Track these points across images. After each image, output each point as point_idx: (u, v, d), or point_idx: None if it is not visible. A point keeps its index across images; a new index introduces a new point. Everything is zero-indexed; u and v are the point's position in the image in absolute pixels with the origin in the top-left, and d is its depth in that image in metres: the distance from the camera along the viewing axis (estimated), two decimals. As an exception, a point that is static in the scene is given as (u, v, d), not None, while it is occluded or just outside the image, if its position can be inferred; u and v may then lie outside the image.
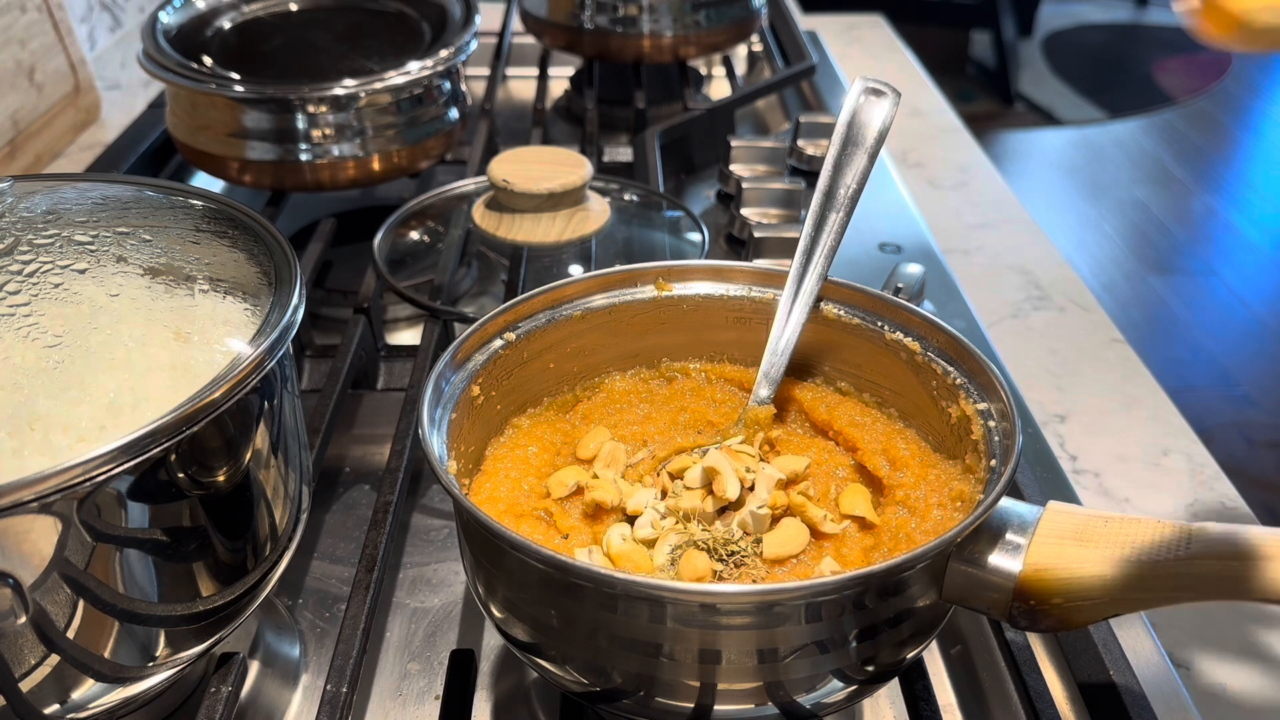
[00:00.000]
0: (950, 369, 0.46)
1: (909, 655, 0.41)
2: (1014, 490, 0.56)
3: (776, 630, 0.36)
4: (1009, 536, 0.38)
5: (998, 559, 0.38)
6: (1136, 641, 0.51)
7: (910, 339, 0.48)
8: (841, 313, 0.50)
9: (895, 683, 0.49)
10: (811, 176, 0.92)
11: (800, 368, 0.52)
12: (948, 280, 0.81)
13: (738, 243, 0.82)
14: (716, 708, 0.38)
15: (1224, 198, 3.04)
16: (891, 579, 0.37)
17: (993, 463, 0.42)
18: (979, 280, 0.84)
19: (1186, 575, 0.36)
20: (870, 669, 0.39)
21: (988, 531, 0.38)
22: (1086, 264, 2.68)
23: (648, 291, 0.52)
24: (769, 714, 0.39)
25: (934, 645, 0.54)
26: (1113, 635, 0.48)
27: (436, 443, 0.42)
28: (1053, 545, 0.38)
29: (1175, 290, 2.59)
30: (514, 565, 0.39)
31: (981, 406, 0.44)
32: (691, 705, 0.39)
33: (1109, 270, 2.68)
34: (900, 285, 0.69)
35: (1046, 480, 0.62)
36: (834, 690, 0.39)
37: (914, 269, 0.72)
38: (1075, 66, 3.81)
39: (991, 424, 0.43)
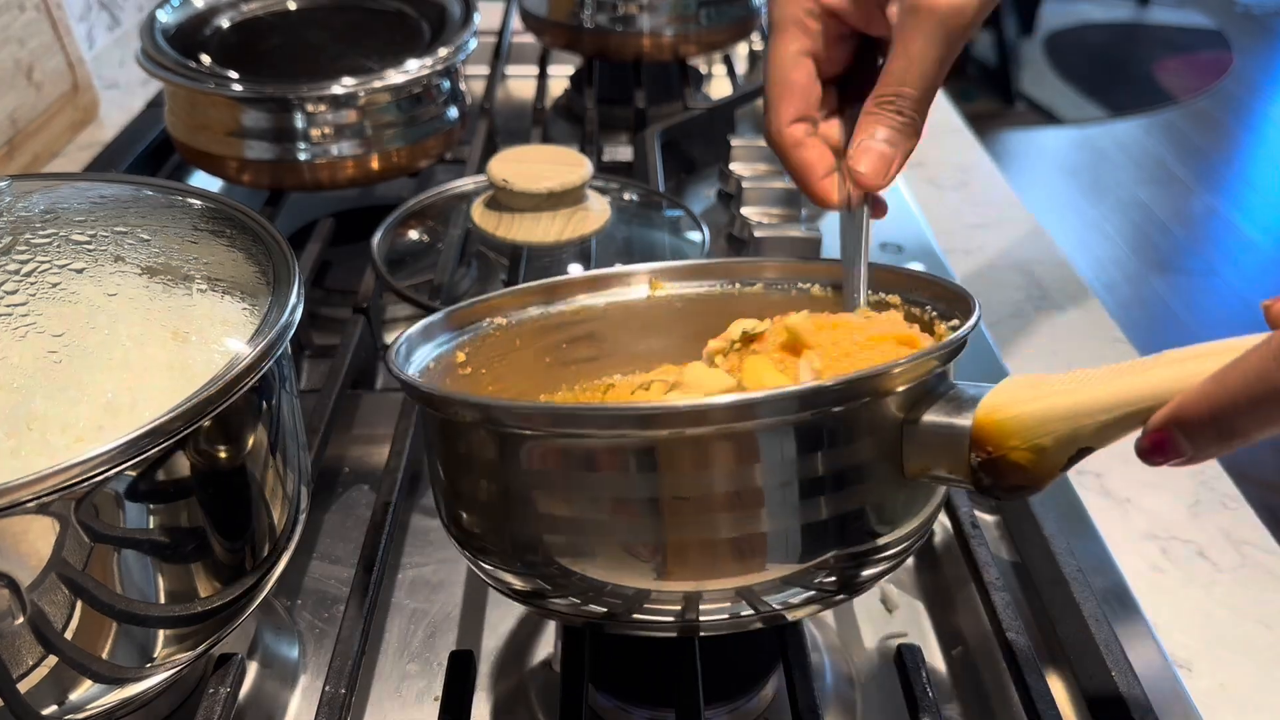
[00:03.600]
0: (926, 306, 0.47)
1: (886, 557, 0.40)
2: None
3: (724, 461, 0.36)
4: (963, 398, 0.38)
5: (950, 414, 0.37)
6: (1138, 642, 0.51)
7: (890, 294, 0.48)
8: (828, 291, 0.50)
9: (896, 683, 0.49)
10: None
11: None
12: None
13: (738, 242, 0.81)
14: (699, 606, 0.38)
15: (1225, 197, 3.04)
16: (838, 402, 0.36)
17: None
18: (980, 280, 0.84)
19: (1145, 386, 0.34)
20: (844, 549, 0.38)
21: (942, 395, 0.38)
22: (1088, 263, 2.68)
23: (643, 291, 0.52)
24: (746, 615, 0.39)
25: (935, 647, 0.54)
26: (1114, 636, 0.48)
27: (404, 353, 0.44)
28: (1007, 391, 0.37)
29: (1176, 290, 2.59)
30: (472, 438, 0.39)
31: (953, 323, 0.45)
32: (678, 595, 0.38)
33: (1110, 270, 2.68)
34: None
35: (1047, 480, 0.62)
36: (796, 594, 0.38)
37: (914, 269, 0.72)
38: (1076, 66, 3.81)
39: (955, 322, 0.44)
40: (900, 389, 0.37)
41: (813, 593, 0.39)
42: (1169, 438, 0.33)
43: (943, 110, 1.14)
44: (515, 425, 0.37)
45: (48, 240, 0.43)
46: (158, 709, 0.46)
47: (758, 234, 0.78)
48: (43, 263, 0.42)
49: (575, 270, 0.74)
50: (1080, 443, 0.35)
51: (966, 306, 0.44)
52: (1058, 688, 0.50)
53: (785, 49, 0.49)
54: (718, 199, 0.90)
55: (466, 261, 0.79)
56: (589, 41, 1.04)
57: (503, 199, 0.71)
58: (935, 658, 0.54)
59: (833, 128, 0.51)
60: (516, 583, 0.41)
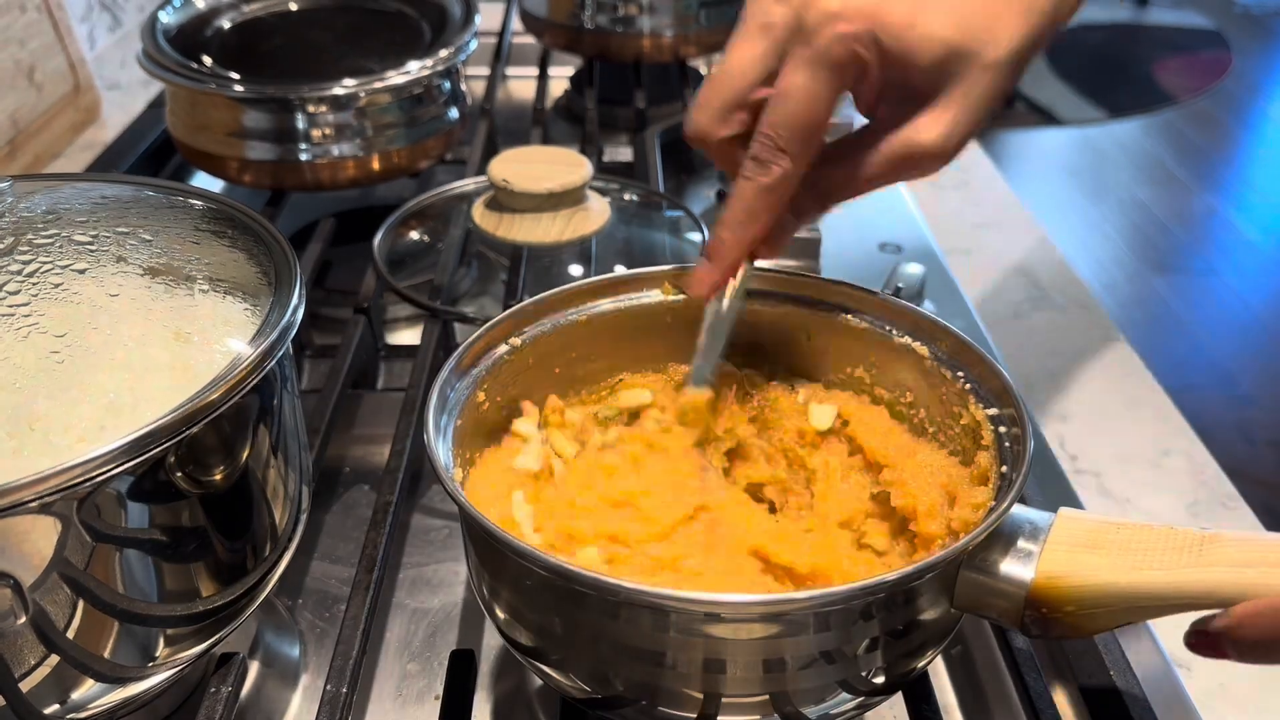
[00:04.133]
0: (959, 374, 0.45)
1: (918, 665, 0.40)
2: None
3: (782, 640, 0.36)
4: (1020, 544, 0.38)
5: (1009, 567, 0.38)
6: (1137, 642, 0.51)
7: (918, 343, 0.47)
8: (850, 317, 0.49)
9: (896, 683, 0.49)
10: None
11: (809, 372, 0.52)
12: (948, 280, 0.81)
13: (738, 242, 0.81)
14: (720, 719, 0.38)
15: (1224, 197, 3.04)
16: (902, 588, 0.36)
17: (1004, 469, 0.41)
18: (979, 280, 0.84)
19: (1200, 582, 0.35)
20: (879, 680, 0.39)
21: (999, 539, 0.38)
22: (1087, 264, 2.68)
23: (654, 295, 0.51)
24: None
25: (934, 645, 0.54)
26: (1113, 636, 0.48)
27: (442, 450, 0.42)
28: (1065, 552, 0.37)
29: (1176, 290, 2.59)
30: (517, 571, 0.39)
31: (991, 412, 0.43)
32: (695, 716, 0.38)
33: (1110, 270, 2.67)
34: (900, 285, 0.69)
35: (1046, 480, 0.62)
36: (841, 702, 0.39)
37: (914, 269, 0.72)
38: (1076, 66, 3.81)
39: (1002, 429, 0.43)
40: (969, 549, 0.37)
41: (851, 698, 0.39)
42: (1220, 646, 0.36)
43: (943, 111, 1.14)
44: (579, 587, 0.37)
45: (50, 241, 0.43)
46: (159, 708, 0.46)
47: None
48: (45, 263, 0.42)
49: (578, 272, 0.74)
50: (1131, 617, 0.37)
51: (1004, 393, 0.43)
52: (1057, 688, 0.50)
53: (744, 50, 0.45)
54: (717, 199, 0.90)
55: (467, 262, 0.79)
56: (589, 42, 1.04)
57: (503, 199, 0.71)
58: (935, 658, 0.54)
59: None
60: (528, 646, 0.41)
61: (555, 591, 0.38)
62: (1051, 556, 0.37)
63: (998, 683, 0.51)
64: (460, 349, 0.46)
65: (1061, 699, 0.50)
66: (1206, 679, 0.52)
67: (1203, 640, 0.36)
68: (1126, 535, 0.37)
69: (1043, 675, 0.47)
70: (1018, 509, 0.39)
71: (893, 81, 0.43)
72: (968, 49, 0.41)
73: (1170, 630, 0.54)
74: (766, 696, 0.38)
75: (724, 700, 0.37)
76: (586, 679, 0.39)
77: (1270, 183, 3.15)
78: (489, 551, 0.40)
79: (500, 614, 0.41)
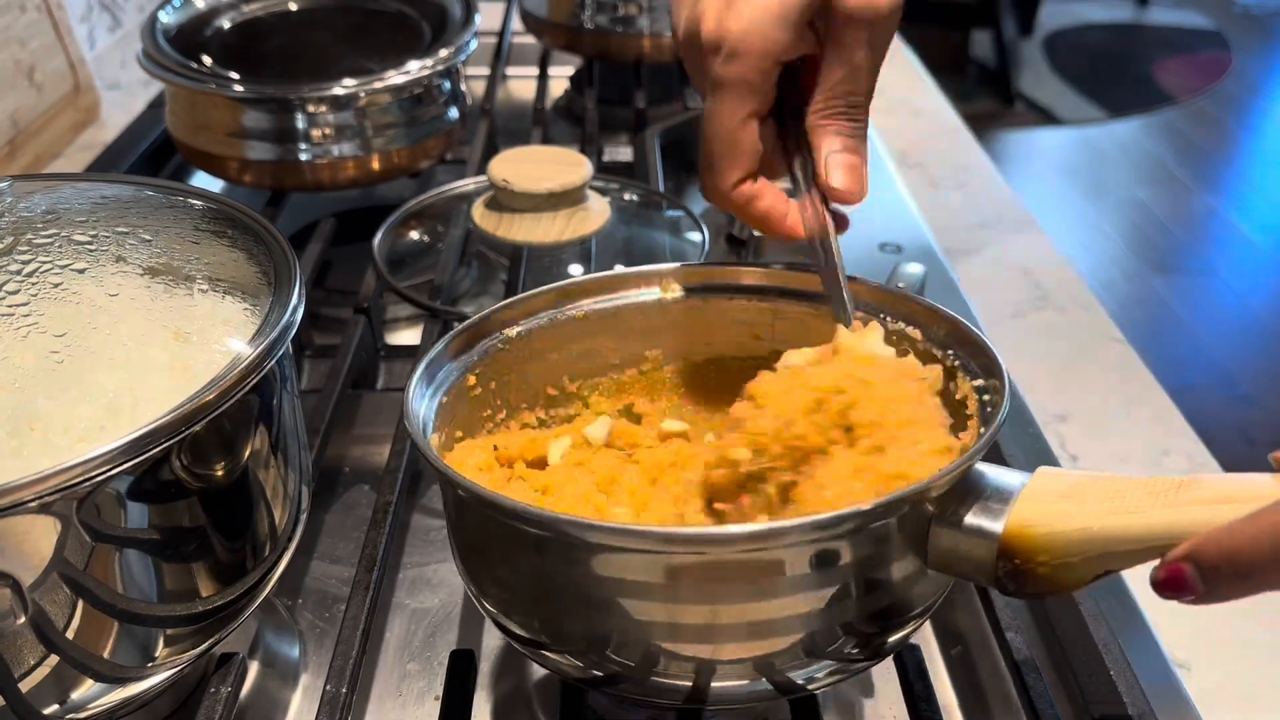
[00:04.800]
0: (949, 352, 0.46)
1: (897, 634, 0.40)
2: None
3: (760, 580, 0.36)
4: (993, 498, 0.38)
5: (980, 518, 0.37)
6: (1137, 641, 0.51)
7: (911, 328, 0.47)
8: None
9: (896, 683, 0.49)
10: (812, 176, 0.92)
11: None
12: (948, 280, 0.81)
13: (738, 242, 0.82)
14: (711, 684, 0.38)
15: (1224, 198, 3.04)
16: (870, 525, 0.36)
17: (982, 430, 0.42)
18: (979, 280, 0.84)
19: (1174, 523, 0.34)
20: (861, 633, 0.39)
21: (972, 493, 0.38)
22: (1087, 264, 2.68)
23: (652, 294, 0.51)
24: (762, 690, 0.39)
25: (934, 647, 0.54)
26: (1113, 635, 0.48)
27: (421, 407, 0.43)
28: (1038, 503, 0.37)
29: (1176, 290, 2.59)
30: (497, 531, 0.39)
31: (978, 383, 0.44)
32: (688, 682, 0.38)
33: (1109, 270, 2.68)
34: (901, 285, 0.69)
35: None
36: (824, 666, 0.39)
37: (914, 269, 0.72)
38: (1076, 66, 3.81)
39: (986, 398, 0.43)
40: (935, 495, 0.37)
41: (834, 664, 0.39)
42: (1184, 573, 0.34)
43: (942, 110, 1.14)
44: (548, 532, 0.37)
45: (49, 241, 0.43)
46: (159, 708, 0.46)
47: (757, 234, 0.78)
48: (44, 263, 0.42)
49: (578, 271, 0.74)
50: (1107, 565, 0.36)
51: (989, 364, 0.43)
52: (1057, 687, 0.50)
53: (733, 114, 0.47)
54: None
55: (467, 262, 0.79)
56: (589, 42, 1.04)
57: (503, 199, 0.71)
58: (935, 658, 0.54)
59: (773, 168, 0.50)
60: (523, 634, 0.41)
61: (535, 542, 0.37)
62: (1023, 507, 0.37)
63: (998, 683, 0.51)
64: (451, 333, 0.47)
65: (1061, 699, 0.50)
66: (1206, 679, 0.52)
67: (1169, 572, 0.34)
68: (1104, 485, 0.36)
69: (1042, 675, 0.47)
70: (995, 469, 0.39)
71: None
72: None
73: (1170, 631, 0.54)
74: (750, 661, 0.38)
75: (713, 651, 0.38)
76: (576, 647, 0.39)
77: (1270, 183, 3.15)
78: (466, 516, 0.40)
79: (489, 589, 0.41)
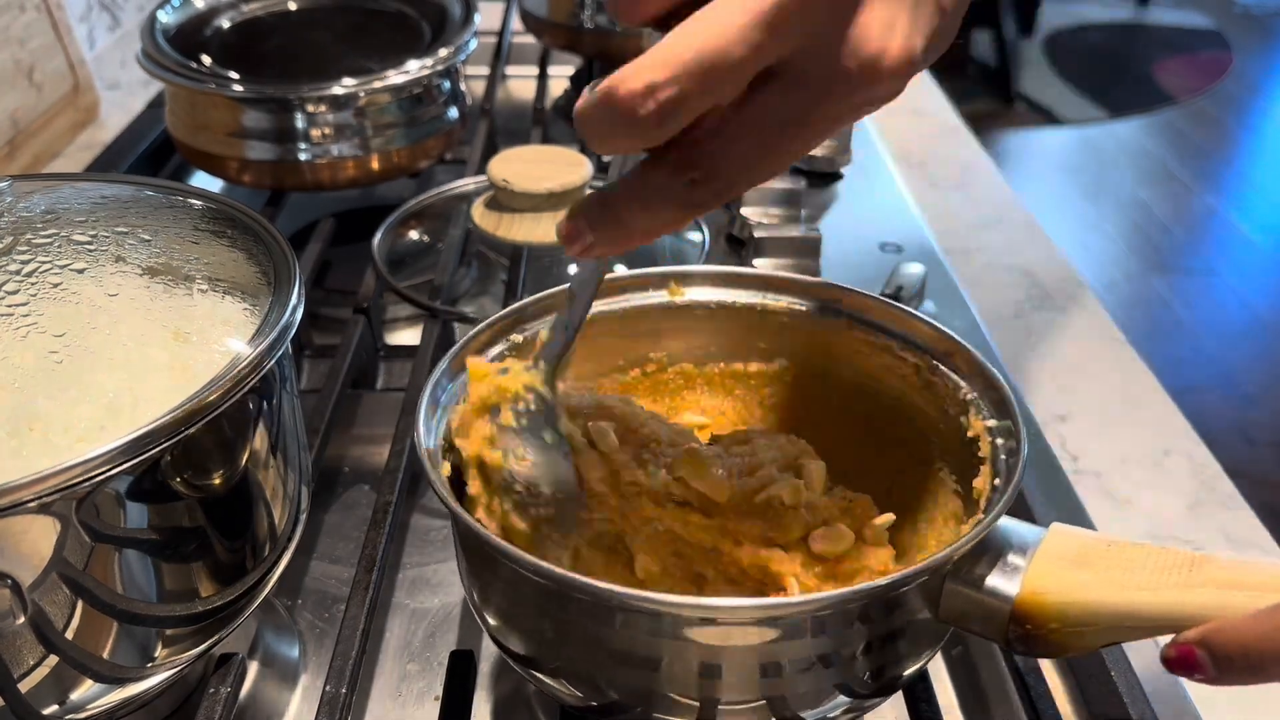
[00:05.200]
0: (962, 383, 0.45)
1: (908, 671, 0.40)
2: (1018, 498, 0.55)
3: (775, 644, 0.36)
4: (1008, 558, 0.37)
5: (995, 580, 0.37)
6: (1137, 641, 0.51)
7: (928, 356, 0.47)
8: (852, 322, 0.49)
9: (896, 683, 0.49)
10: (812, 176, 0.92)
11: (808, 376, 0.51)
12: (948, 280, 0.81)
13: (738, 243, 0.81)
14: None
15: (1225, 197, 3.04)
16: (886, 596, 0.36)
17: (996, 481, 0.41)
18: (980, 280, 0.84)
19: (1186, 604, 0.35)
20: (871, 683, 0.39)
21: (986, 552, 0.38)
22: (1087, 264, 2.68)
23: (659, 296, 0.51)
24: None
25: (935, 646, 0.54)
26: (1114, 636, 0.48)
27: (432, 443, 0.42)
28: (1052, 568, 0.37)
29: (1176, 290, 2.59)
30: (507, 575, 0.39)
31: (991, 424, 0.43)
32: None
33: (1110, 270, 2.68)
34: (901, 285, 0.69)
35: (1047, 481, 0.62)
36: (837, 705, 0.39)
37: (915, 269, 0.72)
38: (1076, 66, 3.81)
39: (999, 441, 0.42)
40: (953, 560, 0.37)
41: (847, 701, 0.39)
42: (1196, 657, 0.34)
43: (943, 110, 1.14)
44: (569, 592, 0.36)
45: (49, 240, 0.43)
46: (158, 708, 0.46)
47: (757, 234, 0.78)
48: (44, 263, 0.42)
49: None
50: (1117, 637, 0.37)
51: (1005, 405, 0.43)
52: (1058, 688, 0.50)
53: None
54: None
55: (467, 262, 0.79)
56: (589, 42, 1.04)
57: (503, 199, 0.71)
58: (936, 658, 0.54)
59: None
60: (522, 654, 0.41)
61: (545, 595, 0.37)
62: (1038, 571, 0.37)
63: (998, 683, 0.51)
64: (454, 349, 0.46)
65: (1061, 699, 0.50)
66: (1207, 679, 0.52)
67: (1180, 654, 0.35)
68: (1117, 553, 0.37)
69: (1043, 675, 0.47)
70: (1009, 522, 0.39)
71: None
72: None
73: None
74: (763, 701, 0.37)
75: (719, 706, 0.37)
76: (579, 685, 0.39)
77: (1270, 183, 3.15)
78: (478, 556, 0.40)
79: (491, 620, 0.41)
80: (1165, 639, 0.35)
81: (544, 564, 0.35)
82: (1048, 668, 0.51)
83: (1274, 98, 3.69)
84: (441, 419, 0.44)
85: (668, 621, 0.36)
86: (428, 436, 0.42)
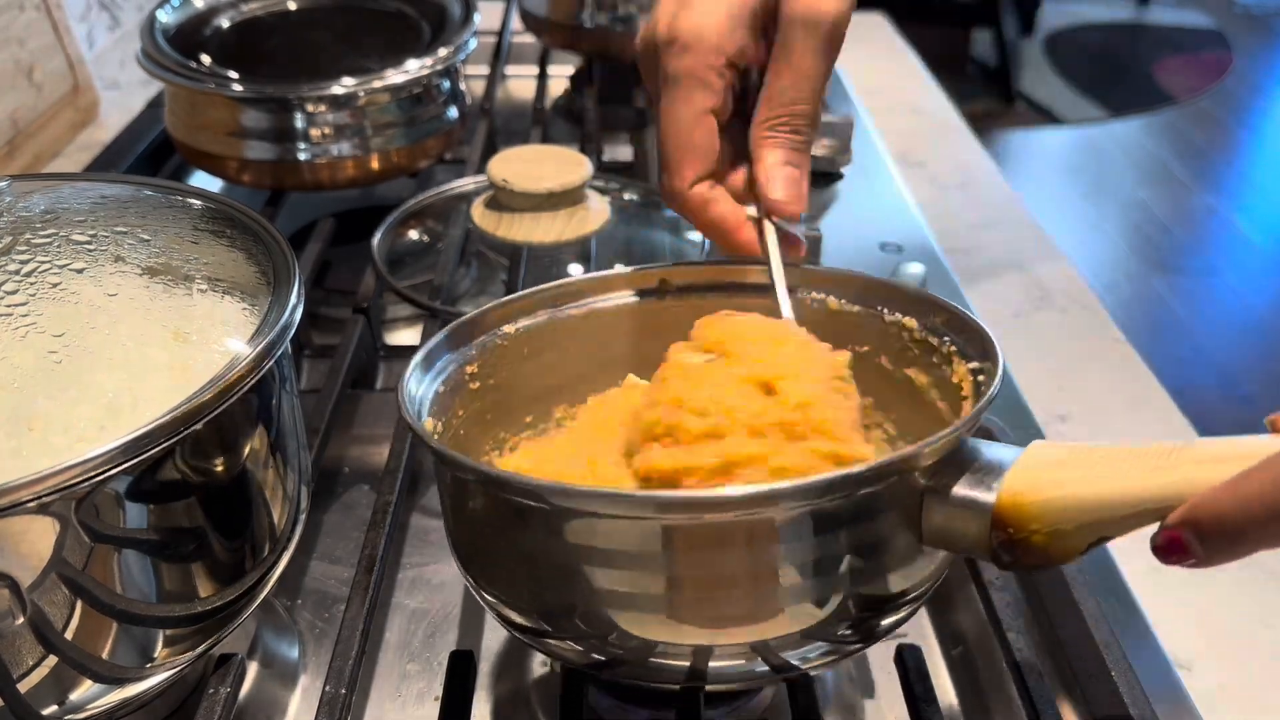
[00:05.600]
0: (945, 338, 0.46)
1: (894, 616, 0.40)
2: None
3: (742, 547, 0.36)
4: (986, 470, 0.37)
5: (973, 490, 0.37)
6: (1138, 641, 0.51)
7: (908, 318, 0.48)
8: (843, 302, 0.50)
9: (896, 684, 0.49)
10: (813, 175, 0.92)
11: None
12: (949, 280, 0.81)
13: (738, 242, 0.81)
14: (709, 665, 0.38)
15: (1225, 198, 3.04)
16: (863, 492, 0.36)
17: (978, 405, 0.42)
18: (980, 280, 0.84)
19: (1169, 484, 0.34)
20: (854, 612, 0.38)
21: (964, 466, 0.38)
22: (1088, 264, 2.68)
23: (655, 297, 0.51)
24: (759, 671, 0.39)
25: (935, 647, 0.54)
26: (1113, 635, 0.48)
27: (415, 386, 0.43)
28: (1030, 472, 0.37)
29: (1177, 290, 2.59)
30: (482, 504, 0.39)
31: (973, 365, 0.44)
32: (684, 664, 0.38)
33: (1110, 270, 2.68)
34: (901, 284, 0.69)
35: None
36: (819, 647, 0.39)
37: (915, 268, 0.72)
38: (1076, 66, 3.81)
39: (981, 379, 0.43)
40: (925, 464, 0.37)
41: (828, 645, 0.39)
42: (1182, 539, 0.34)
43: (943, 110, 1.14)
44: (538, 502, 0.37)
45: (48, 240, 0.43)
46: (158, 709, 0.46)
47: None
48: (43, 263, 0.42)
49: (577, 271, 0.74)
50: (1101, 532, 0.36)
51: (985, 347, 0.43)
52: (1058, 688, 0.50)
53: (687, 108, 0.47)
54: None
55: (467, 261, 0.79)
56: (589, 41, 1.04)
57: (503, 199, 0.71)
58: (935, 658, 0.54)
59: (734, 176, 0.50)
60: (523, 622, 0.41)
61: (524, 513, 0.37)
62: (1016, 477, 0.37)
63: (998, 683, 0.51)
64: (451, 325, 0.47)
65: (1061, 699, 0.50)
66: (1206, 679, 0.52)
67: (1166, 539, 0.34)
68: (1097, 453, 0.36)
69: (1043, 675, 0.47)
70: (989, 444, 0.39)
71: None
72: None
73: (1171, 631, 0.54)
74: (746, 642, 0.38)
75: (708, 638, 0.37)
76: (571, 625, 0.39)
77: (1270, 183, 3.15)
78: (454, 490, 0.40)
79: (477, 568, 0.41)
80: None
81: (513, 474, 0.36)
82: (1048, 668, 0.51)
83: (1274, 98, 3.69)
84: (434, 381, 0.45)
85: (626, 516, 0.36)
86: (416, 380, 0.44)
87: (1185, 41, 4.02)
